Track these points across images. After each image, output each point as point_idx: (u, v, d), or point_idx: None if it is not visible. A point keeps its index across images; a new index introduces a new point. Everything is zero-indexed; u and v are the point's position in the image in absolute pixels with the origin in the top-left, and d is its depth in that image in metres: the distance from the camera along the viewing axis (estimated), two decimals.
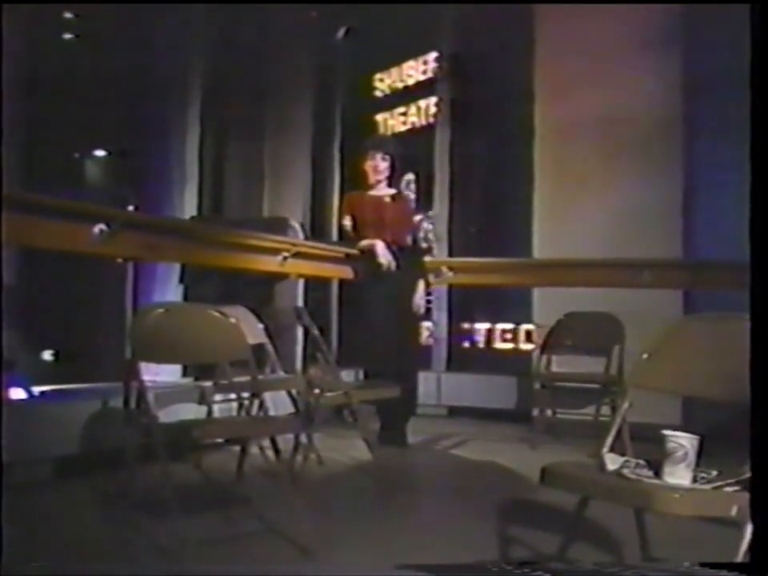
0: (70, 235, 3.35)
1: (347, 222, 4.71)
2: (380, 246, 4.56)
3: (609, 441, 2.01)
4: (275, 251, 4.89)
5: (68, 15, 6.02)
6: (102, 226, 3.41)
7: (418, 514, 3.28)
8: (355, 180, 4.92)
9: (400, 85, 6.98)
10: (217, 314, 2.79)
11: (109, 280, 5.21)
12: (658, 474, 1.85)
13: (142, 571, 1.84)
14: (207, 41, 6.20)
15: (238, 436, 2.80)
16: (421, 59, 6.80)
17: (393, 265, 4.54)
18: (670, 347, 2.08)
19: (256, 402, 2.93)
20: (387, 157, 4.68)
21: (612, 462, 1.88)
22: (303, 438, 3.66)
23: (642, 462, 1.88)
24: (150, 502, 2.58)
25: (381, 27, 6.68)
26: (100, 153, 6.35)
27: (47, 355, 5.46)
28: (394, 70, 6.99)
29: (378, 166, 4.65)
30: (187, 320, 2.79)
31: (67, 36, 6.05)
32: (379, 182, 4.69)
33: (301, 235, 5.61)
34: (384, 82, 7.08)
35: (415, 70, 6.85)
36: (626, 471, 1.83)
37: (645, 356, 2.11)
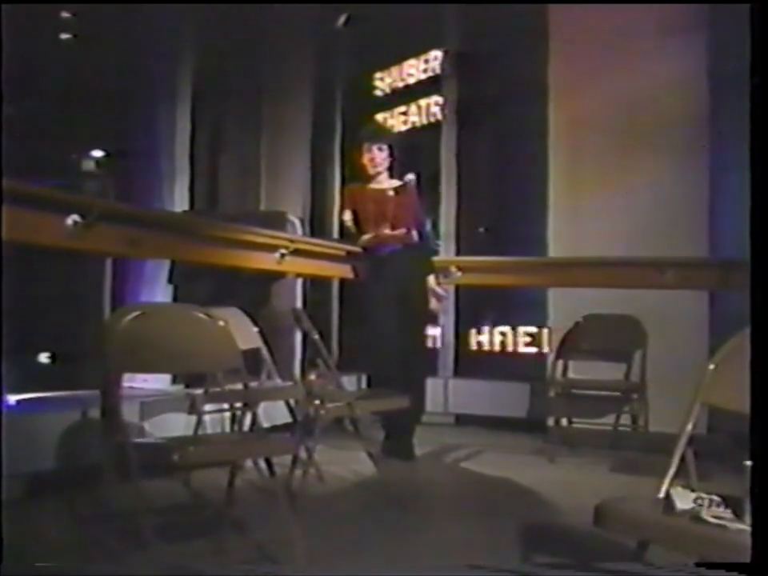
0: (38, 227, 2.99)
1: (348, 216, 4.48)
2: (386, 234, 4.33)
3: (672, 471, 1.66)
4: (272, 248, 4.65)
5: (65, 15, 5.78)
6: (76, 218, 3.09)
7: (428, 536, 2.96)
8: (354, 176, 4.70)
9: (400, 84, 6.83)
10: (202, 315, 2.45)
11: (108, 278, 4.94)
12: (736, 513, 1.51)
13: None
14: (203, 30, 5.96)
15: (225, 459, 2.48)
16: (422, 57, 6.64)
17: (415, 238, 4.32)
18: (745, 357, 1.72)
19: (249, 415, 2.63)
20: (384, 147, 4.44)
21: (682, 499, 1.54)
22: (302, 452, 3.37)
23: (716, 497, 1.54)
24: (131, 528, 2.28)
25: (382, 22, 6.50)
26: (98, 153, 6.11)
27: (43, 358, 5.19)
28: (395, 69, 6.85)
29: (375, 157, 4.41)
30: (167, 324, 2.43)
31: (64, 36, 5.81)
32: (379, 173, 4.44)
33: (300, 231, 5.40)
34: (384, 81, 6.94)
35: (416, 69, 6.71)
36: (702, 512, 1.48)
37: (711, 366, 1.76)
